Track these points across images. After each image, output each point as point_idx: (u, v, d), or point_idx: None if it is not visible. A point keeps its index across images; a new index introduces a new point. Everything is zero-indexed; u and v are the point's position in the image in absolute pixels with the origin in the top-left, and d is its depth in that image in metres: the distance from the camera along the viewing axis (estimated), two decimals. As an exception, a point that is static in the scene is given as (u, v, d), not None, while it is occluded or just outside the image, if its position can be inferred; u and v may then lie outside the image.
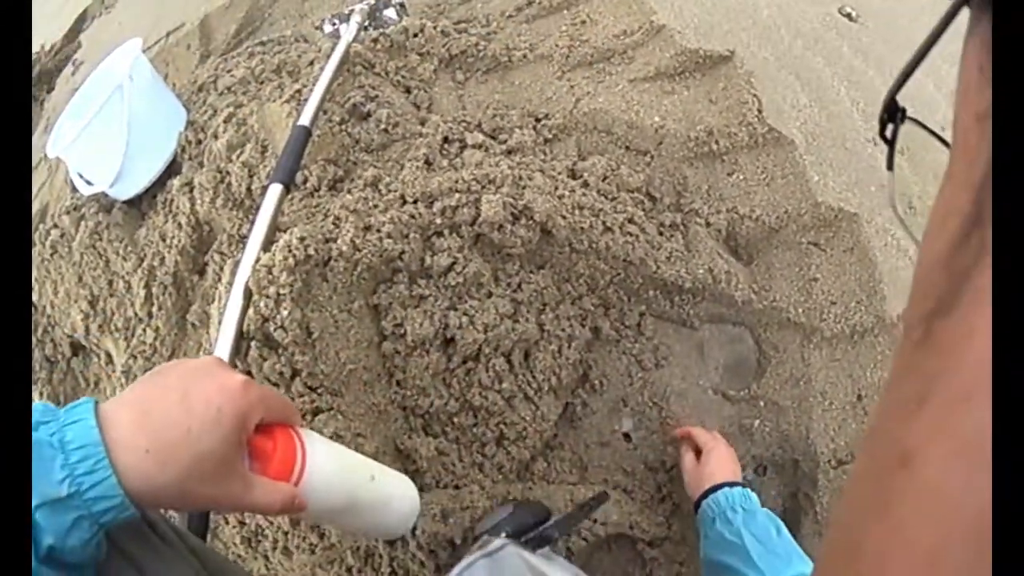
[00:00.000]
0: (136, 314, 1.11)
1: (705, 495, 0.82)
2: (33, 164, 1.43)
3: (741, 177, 1.04)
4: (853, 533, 0.19)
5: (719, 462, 0.85)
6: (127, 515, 0.40)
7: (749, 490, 0.81)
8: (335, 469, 0.52)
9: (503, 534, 0.68)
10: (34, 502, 0.36)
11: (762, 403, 1.02)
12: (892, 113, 0.29)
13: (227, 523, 1.03)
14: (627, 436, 0.97)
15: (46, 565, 0.37)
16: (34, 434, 0.38)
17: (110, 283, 1.15)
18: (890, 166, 0.32)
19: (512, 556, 0.57)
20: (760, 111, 1.06)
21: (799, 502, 1.02)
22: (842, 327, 1.02)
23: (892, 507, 0.17)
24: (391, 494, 0.60)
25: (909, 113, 0.30)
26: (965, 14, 0.20)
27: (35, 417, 0.39)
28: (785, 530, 0.76)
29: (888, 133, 0.30)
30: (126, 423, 0.41)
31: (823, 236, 1.05)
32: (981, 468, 0.14)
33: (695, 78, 1.09)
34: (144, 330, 1.10)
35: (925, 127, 0.30)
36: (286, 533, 0.96)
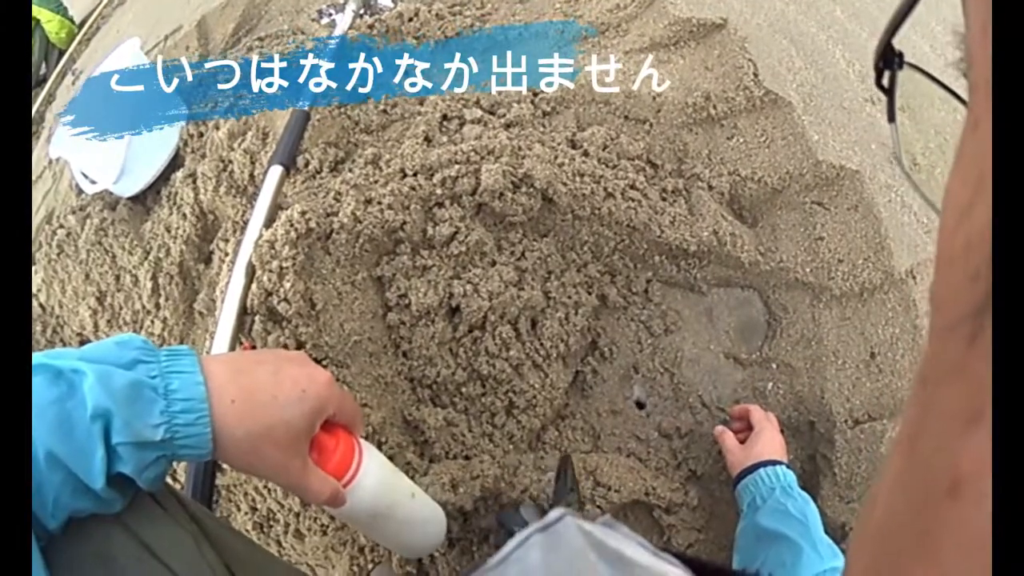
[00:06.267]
0: (144, 306, 1.11)
1: (756, 467, 0.82)
2: (37, 173, 1.45)
3: (741, 140, 1.04)
4: (889, 566, 0.16)
5: (770, 441, 0.85)
6: (203, 460, 0.43)
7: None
8: (381, 483, 0.55)
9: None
10: (122, 438, 0.38)
11: (774, 365, 1.00)
12: (888, 59, 0.27)
13: (239, 510, 1.02)
14: (639, 403, 0.96)
15: (109, 486, 0.38)
16: (130, 372, 0.39)
17: (117, 278, 1.15)
18: (891, 117, 0.29)
19: (570, 528, 0.54)
20: (756, 75, 1.06)
21: (817, 464, 0.99)
22: (851, 285, 1.01)
23: (937, 547, 0.15)
24: (424, 517, 0.63)
25: (907, 59, 0.27)
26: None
27: (133, 353, 0.40)
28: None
29: (885, 81, 0.27)
30: (219, 374, 0.43)
31: (826, 195, 1.04)
32: None
33: (690, 47, 1.09)
34: (152, 321, 1.10)
35: (924, 72, 0.27)
36: (297, 515, 0.95)
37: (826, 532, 0.99)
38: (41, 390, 0.37)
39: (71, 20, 1.91)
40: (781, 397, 1.00)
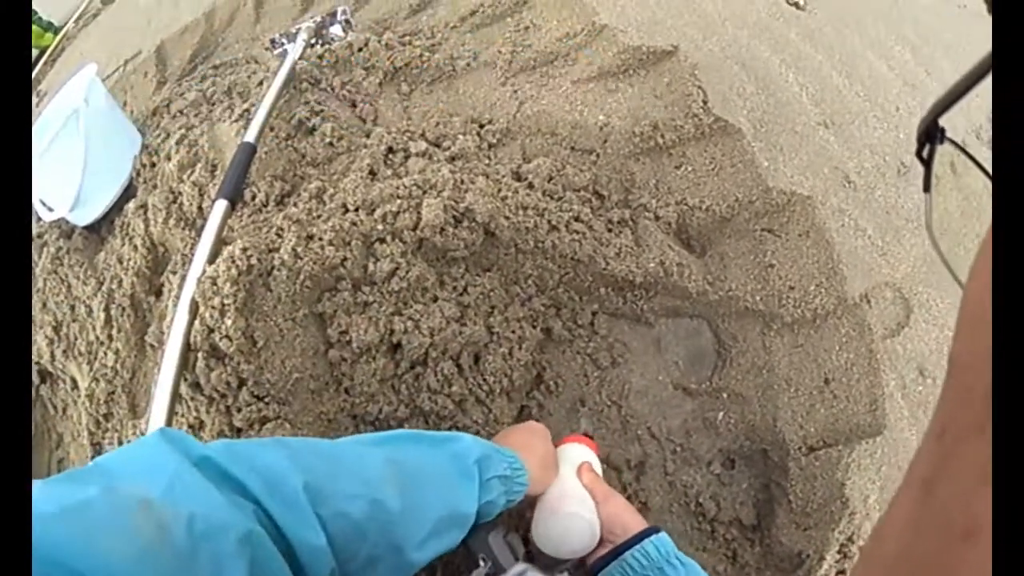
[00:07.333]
0: (97, 337, 1.11)
1: (619, 551, 0.66)
2: None
3: (689, 169, 1.04)
4: None
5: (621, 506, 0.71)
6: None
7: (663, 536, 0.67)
8: None
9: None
10: (493, 473, 0.60)
11: (725, 395, 1.00)
12: (931, 134, 0.29)
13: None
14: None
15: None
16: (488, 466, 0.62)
17: (72, 308, 1.15)
18: (927, 187, 0.31)
19: None
20: (705, 102, 1.06)
21: (772, 492, 0.99)
22: (803, 311, 1.01)
23: None
24: None
25: (948, 134, 0.29)
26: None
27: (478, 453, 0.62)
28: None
29: (925, 153, 0.30)
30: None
31: (777, 222, 1.04)
32: None
33: (639, 75, 1.09)
34: (105, 352, 1.10)
35: (964, 151, 0.30)
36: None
37: (781, 560, 0.99)
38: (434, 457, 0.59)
39: (45, 25, 1.92)
40: (732, 426, 0.99)
